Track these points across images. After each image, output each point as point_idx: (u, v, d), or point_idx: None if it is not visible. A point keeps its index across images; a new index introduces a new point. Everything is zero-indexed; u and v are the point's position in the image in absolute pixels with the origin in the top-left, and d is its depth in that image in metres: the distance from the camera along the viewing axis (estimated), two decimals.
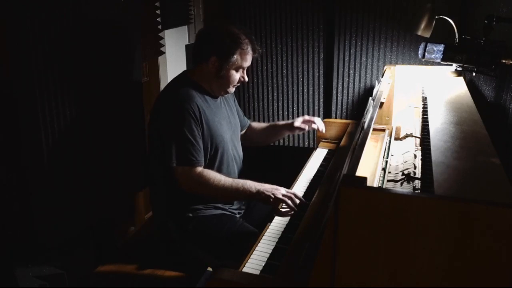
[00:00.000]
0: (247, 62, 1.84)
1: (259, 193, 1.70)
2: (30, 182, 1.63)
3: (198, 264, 1.84)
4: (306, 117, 2.17)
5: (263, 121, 3.17)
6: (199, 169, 1.75)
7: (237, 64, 1.80)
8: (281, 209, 1.69)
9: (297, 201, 1.69)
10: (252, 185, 1.73)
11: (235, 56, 1.78)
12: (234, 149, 1.96)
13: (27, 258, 1.68)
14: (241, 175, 1.98)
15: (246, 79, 1.89)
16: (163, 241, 1.87)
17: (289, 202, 1.68)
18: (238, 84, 1.89)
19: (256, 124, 2.25)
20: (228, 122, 1.95)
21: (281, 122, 2.22)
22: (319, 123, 2.17)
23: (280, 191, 1.70)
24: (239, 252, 1.52)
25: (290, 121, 2.19)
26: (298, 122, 2.14)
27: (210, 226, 1.81)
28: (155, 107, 1.85)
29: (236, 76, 1.84)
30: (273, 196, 1.68)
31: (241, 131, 2.13)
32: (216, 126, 1.83)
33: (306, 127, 2.15)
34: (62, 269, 1.73)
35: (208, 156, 1.81)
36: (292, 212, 1.67)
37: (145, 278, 1.73)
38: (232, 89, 1.89)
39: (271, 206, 1.71)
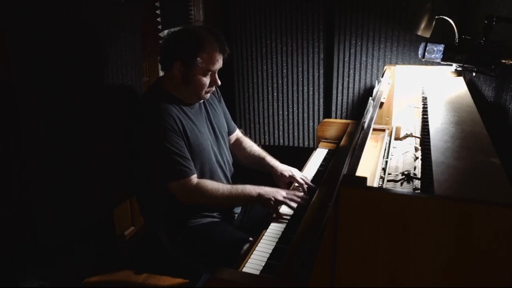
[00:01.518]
0: (215, 65, 1.70)
1: (260, 197, 1.69)
2: (30, 182, 1.63)
3: (192, 272, 1.81)
4: (296, 176, 1.90)
5: (263, 121, 3.18)
6: (195, 180, 1.69)
7: (204, 67, 1.68)
8: (280, 212, 1.68)
9: (297, 202, 1.70)
10: (252, 189, 1.71)
11: (199, 59, 1.66)
12: (218, 155, 1.87)
13: (27, 258, 1.68)
14: (234, 179, 1.94)
15: (219, 82, 1.75)
16: (156, 253, 1.83)
17: (291, 203, 1.69)
18: (212, 89, 1.78)
19: (249, 146, 2.07)
20: (209, 128, 1.86)
21: (269, 161, 1.98)
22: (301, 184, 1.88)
23: (280, 193, 1.70)
24: (230, 260, 1.50)
25: (278, 166, 1.95)
26: (279, 177, 1.92)
27: (200, 235, 1.76)
28: (131, 124, 1.74)
29: (205, 80, 1.71)
30: (273, 199, 1.68)
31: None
32: (196, 135, 1.75)
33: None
34: (62, 270, 1.73)
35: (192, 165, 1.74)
36: (292, 213, 1.68)
37: (144, 279, 1.73)
38: (205, 95, 1.77)
39: (272, 209, 1.70)
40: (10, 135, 1.58)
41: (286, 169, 1.93)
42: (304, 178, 1.91)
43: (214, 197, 1.69)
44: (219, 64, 1.72)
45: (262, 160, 2.00)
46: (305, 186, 1.87)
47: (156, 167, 1.69)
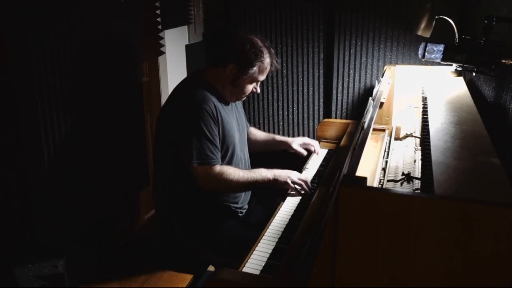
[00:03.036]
0: (263, 76, 1.86)
1: (276, 179, 1.83)
2: (30, 182, 1.63)
3: (200, 262, 1.85)
4: (306, 140, 2.22)
5: (263, 121, 3.18)
6: (218, 167, 1.77)
7: (254, 77, 1.82)
8: (294, 192, 1.86)
9: (305, 189, 1.85)
10: (268, 173, 1.83)
11: (254, 69, 1.80)
12: (241, 151, 1.98)
13: (27, 258, 1.68)
14: None
15: (259, 90, 1.91)
16: (165, 239, 1.88)
17: (304, 185, 1.85)
18: (250, 95, 1.92)
19: (255, 132, 2.26)
20: (237, 125, 1.97)
21: (280, 138, 2.24)
22: (316, 147, 2.23)
23: (294, 174, 1.85)
24: (241, 249, 1.52)
25: (289, 139, 2.21)
26: (296, 145, 2.18)
27: (212, 223, 1.82)
28: (168, 107, 1.84)
29: (250, 87, 1.86)
30: (289, 180, 1.83)
31: None
32: (230, 126, 1.86)
33: (305, 154, 2.19)
34: (62, 269, 1.73)
35: (220, 155, 1.83)
36: (304, 192, 1.85)
37: (144, 278, 1.73)
38: (243, 98, 1.93)
39: (289, 189, 1.86)
40: (10, 135, 1.58)
41: (299, 139, 2.18)
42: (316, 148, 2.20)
43: (236, 182, 1.78)
44: (265, 76, 1.87)
45: (272, 141, 2.20)
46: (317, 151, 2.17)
47: (186, 146, 1.74)
